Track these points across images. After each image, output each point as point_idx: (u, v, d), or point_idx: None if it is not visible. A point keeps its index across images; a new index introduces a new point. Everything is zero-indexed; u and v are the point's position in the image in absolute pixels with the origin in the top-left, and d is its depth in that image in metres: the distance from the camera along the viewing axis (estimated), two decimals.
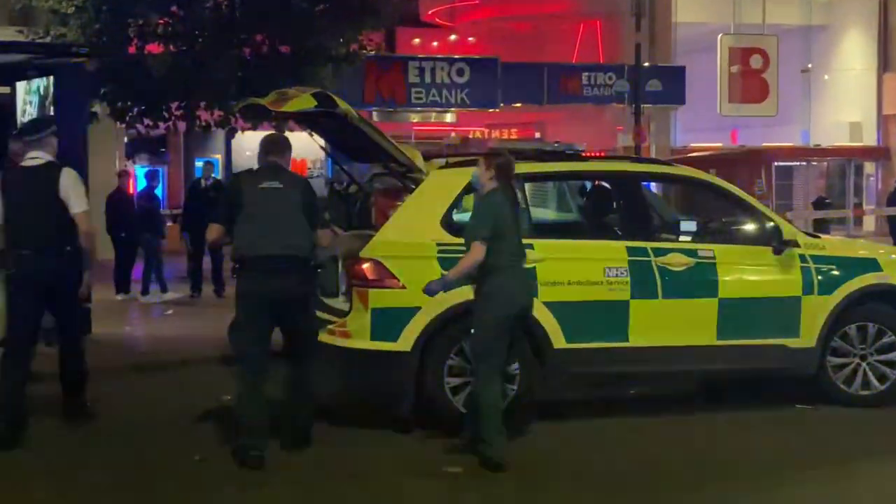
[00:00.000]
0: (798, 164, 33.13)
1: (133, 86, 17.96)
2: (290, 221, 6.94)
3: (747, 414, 8.43)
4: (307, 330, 7.28)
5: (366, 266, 7.66)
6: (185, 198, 16.76)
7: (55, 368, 8.00)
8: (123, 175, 16.60)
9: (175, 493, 6.47)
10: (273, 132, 8.01)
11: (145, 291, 15.00)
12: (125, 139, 23.96)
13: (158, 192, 17.46)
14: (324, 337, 7.77)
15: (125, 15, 17.66)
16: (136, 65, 17.75)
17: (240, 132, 21.27)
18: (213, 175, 16.36)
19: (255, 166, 7.51)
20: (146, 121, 18.97)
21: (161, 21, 18.14)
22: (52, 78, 11.55)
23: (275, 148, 7.27)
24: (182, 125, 19.54)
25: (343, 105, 7.74)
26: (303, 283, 7.06)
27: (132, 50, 18.17)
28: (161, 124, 19.20)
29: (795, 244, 8.49)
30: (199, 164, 19.01)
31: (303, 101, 7.76)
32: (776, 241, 8.42)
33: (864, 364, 8.56)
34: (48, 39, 16.95)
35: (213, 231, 7.19)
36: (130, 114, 18.75)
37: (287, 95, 7.94)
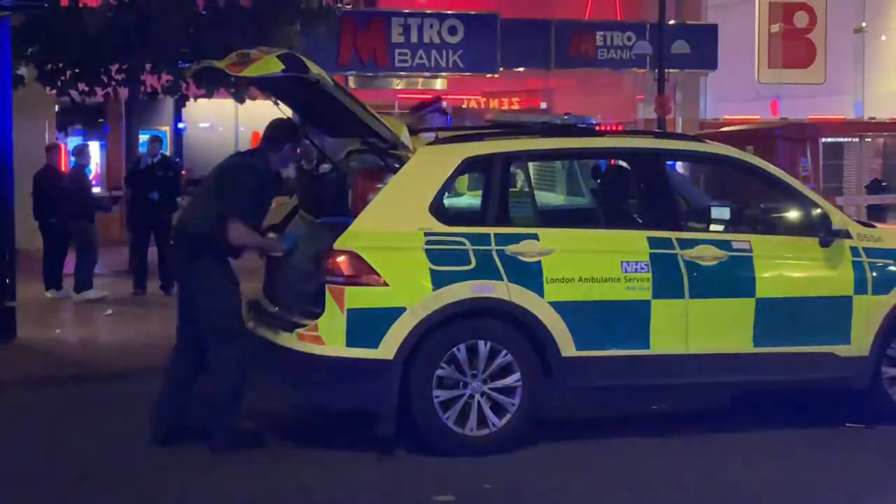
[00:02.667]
0: (850, 140, 33.08)
1: (66, 45, 17.90)
2: (197, 201, 8.15)
3: (788, 434, 8.47)
4: (204, 313, 7.92)
5: (341, 259, 7.67)
6: (126, 178, 16.77)
7: None
8: (53, 150, 16.58)
9: None
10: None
11: (80, 287, 14.97)
12: (56, 108, 23.90)
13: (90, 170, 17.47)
14: (291, 342, 7.81)
15: None
16: (69, 20, 17.70)
17: (192, 100, 21.22)
18: (160, 151, 16.34)
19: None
20: (81, 86, 18.92)
21: None
22: None
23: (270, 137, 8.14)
24: (124, 91, 19.50)
25: (315, 69, 7.75)
26: (188, 259, 7.94)
27: (65, 2, 18.11)
28: (99, 90, 19.15)
29: (846, 235, 8.53)
30: (143, 137, 19.00)
31: (267, 64, 7.76)
32: (823, 232, 8.47)
33: None
34: None
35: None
36: (62, 78, 18.70)
37: (249, 57, 7.95)
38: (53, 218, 15.05)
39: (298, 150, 8.38)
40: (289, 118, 8.38)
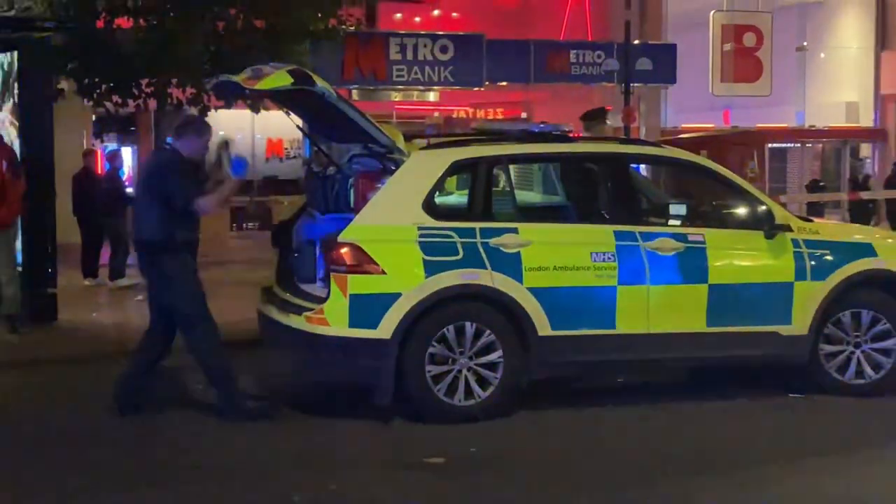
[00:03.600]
0: (792, 145, 33.21)
1: (101, 62, 17.84)
2: (142, 204, 8.04)
3: (737, 403, 8.48)
4: (175, 311, 7.96)
5: (344, 250, 7.68)
6: None
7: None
8: (90, 154, 16.55)
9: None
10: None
11: (114, 276, 14.92)
12: (93, 117, 23.83)
13: (124, 172, 17.40)
14: (300, 324, 7.82)
15: None
16: (103, 40, 17.63)
17: (213, 110, 21.16)
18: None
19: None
20: (115, 98, 18.85)
21: None
22: (16, 53, 11.49)
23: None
24: (153, 103, 19.43)
25: (321, 82, 7.74)
26: (155, 269, 7.93)
27: (100, 24, 18.03)
28: (130, 102, 19.07)
29: (788, 228, 8.55)
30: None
31: (278, 78, 7.75)
32: (768, 225, 8.47)
33: (858, 352, 8.63)
34: (12, 13, 16.84)
35: None
36: (98, 91, 18.62)
37: (262, 72, 7.94)
38: (91, 215, 15.00)
39: (204, 140, 8.06)
40: (197, 116, 8.38)
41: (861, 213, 18.87)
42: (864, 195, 21.40)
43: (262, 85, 7.87)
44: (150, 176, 8.01)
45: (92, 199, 15.06)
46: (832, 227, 9.39)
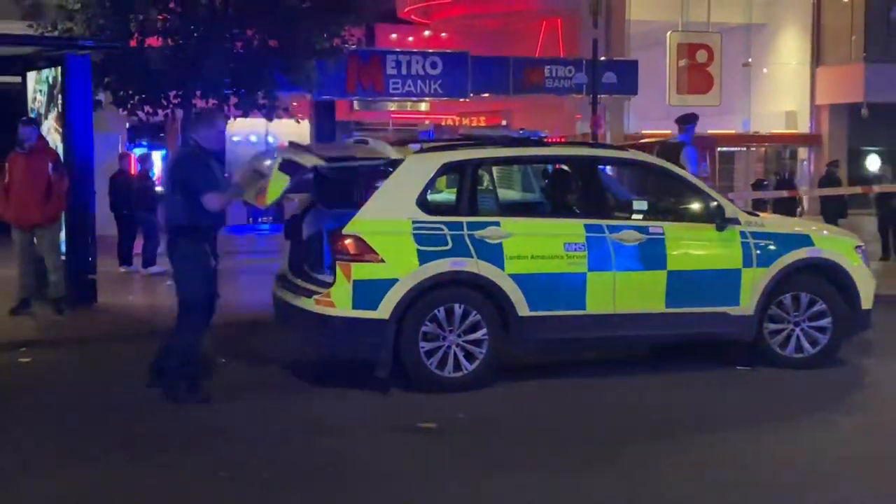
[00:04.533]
0: (739, 149, 33.28)
1: (134, 76, 17.79)
2: (168, 193, 7.66)
3: (695, 375, 8.49)
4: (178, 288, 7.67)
5: (348, 241, 7.66)
6: None
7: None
8: (124, 157, 16.48)
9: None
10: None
11: (146, 264, 14.87)
12: (127, 125, 23.75)
13: (154, 173, 17.32)
14: (309, 305, 7.79)
15: (126, 10, 17.45)
16: (136, 57, 17.56)
17: (231, 119, 21.09)
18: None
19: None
20: (146, 108, 18.81)
21: (160, 17, 17.96)
22: (59, 69, 11.46)
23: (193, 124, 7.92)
24: (179, 112, 19.39)
25: (308, 161, 7.75)
26: (171, 246, 7.66)
27: (133, 43, 17.95)
28: (160, 111, 19.03)
29: (736, 221, 8.53)
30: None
31: (277, 184, 7.68)
32: (719, 219, 8.46)
33: (797, 330, 8.63)
34: (56, 33, 16.75)
35: None
36: (131, 102, 18.56)
37: (264, 185, 7.78)
38: (125, 210, 14.93)
39: (217, 129, 7.72)
40: (209, 108, 8.09)
41: (789, 208, 18.92)
42: (800, 193, 21.36)
43: (270, 198, 7.76)
44: (172, 167, 7.85)
45: (126, 196, 14.99)
46: (775, 221, 9.38)
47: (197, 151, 7.53)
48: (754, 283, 8.45)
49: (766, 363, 8.58)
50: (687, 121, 11.98)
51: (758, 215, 9.14)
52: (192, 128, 7.71)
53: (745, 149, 33.22)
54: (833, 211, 18.41)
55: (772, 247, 8.55)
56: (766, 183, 23.49)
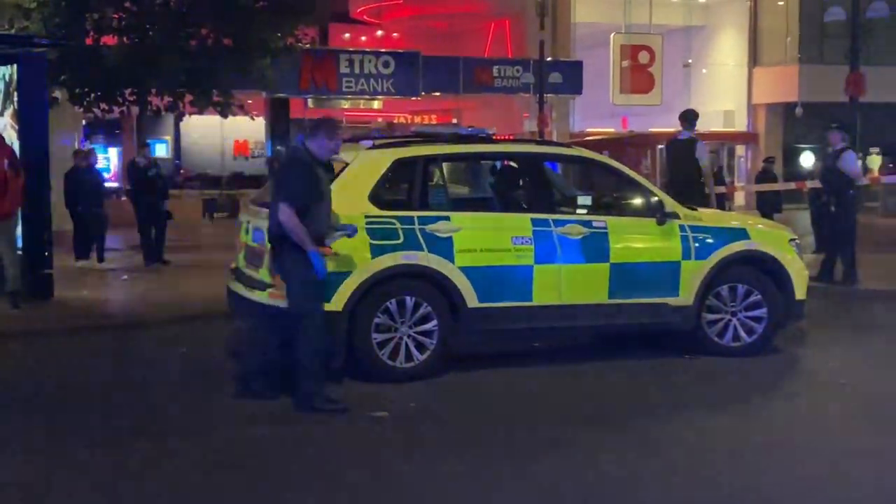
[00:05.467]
0: None
1: (90, 74, 17.60)
2: (273, 202, 7.06)
3: (638, 363, 8.54)
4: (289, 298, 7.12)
5: None
6: (127, 176, 16.46)
7: None
8: (79, 154, 16.22)
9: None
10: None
11: (100, 259, 14.65)
12: (83, 122, 23.43)
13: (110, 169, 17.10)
14: (263, 298, 7.73)
15: (83, 9, 17.27)
16: (92, 55, 17.39)
17: (187, 116, 20.92)
18: (148, 155, 16.05)
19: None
20: (102, 105, 18.61)
21: (115, 15, 17.77)
22: (15, 66, 11.31)
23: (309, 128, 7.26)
24: (135, 109, 19.19)
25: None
26: (277, 257, 7.17)
27: (89, 41, 17.77)
28: (116, 108, 18.84)
29: (676, 216, 8.61)
30: (158, 145, 18.69)
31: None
32: (660, 214, 8.53)
33: (734, 320, 8.73)
34: (12, 31, 16.49)
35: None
36: (87, 99, 18.36)
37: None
38: (79, 206, 14.70)
39: (336, 142, 7.20)
40: (329, 119, 7.62)
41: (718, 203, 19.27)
42: (728, 189, 21.58)
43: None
44: (282, 172, 7.35)
45: (80, 192, 14.74)
46: (713, 215, 9.48)
47: (307, 159, 7.05)
48: (693, 275, 8.54)
49: (705, 352, 8.68)
50: (691, 117, 12.21)
51: (696, 209, 9.25)
52: (311, 134, 7.13)
53: None
54: (768, 205, 18.68)
55: (709, 240, 8.65)
56: (703, 179, 23.75)
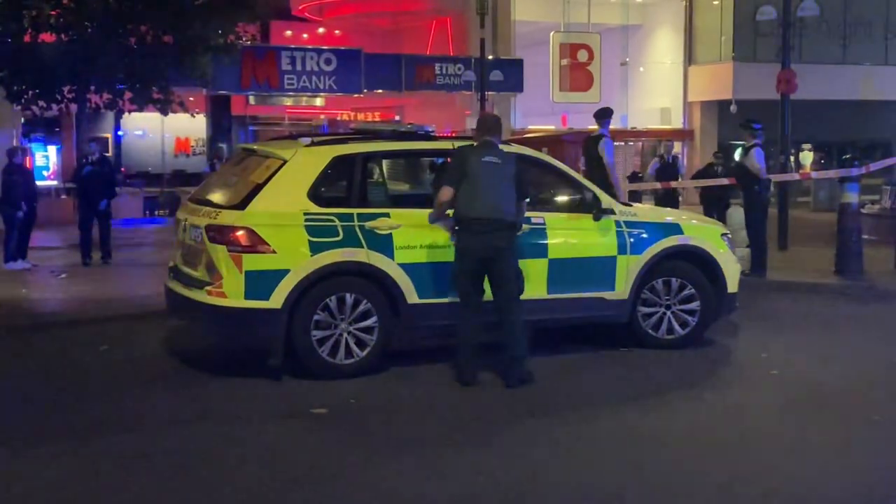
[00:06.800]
0: (618, 143, 33.78)
1: (28, 71, 17.29)
2: (502, 191, 7.51)
3: (572, 356, 8.60)
4: (507, 279, 7.60)
5: (240, 233, 7.53)
6: (76, 172, 16.10)
7: None
8: (13, 151, 15.83)
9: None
10: (488, 113, 7.98)
11: (17, 257, 14.19)
12: (22, 119, 22.98)
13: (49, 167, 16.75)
14: (201, 297, 7.64)
15: (19, 6, 16.93)
16: (30, 52, 17.08)
17: (126, 113, 20.63)
18: (94, 152, 15.72)
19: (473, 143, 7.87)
20: (41, 103, 18.29)
21: (53, 12, 17.44)
22: None
23: (492, 127, 7.82)
24: (74, 107, 18.88)
25: None
26: (505, 241, 7.53)
27: (27, 38, 17.44)
28: (55, 106, 18.52)
29: (612, 212, 8.68)
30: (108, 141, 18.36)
31: None
32: (596, 210, 8.58)
33: (668, 313, 8.83)
34: None
35: (446, 193, 7.54)
36: (26, 96, 18.04)
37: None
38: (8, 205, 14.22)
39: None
40: (492, 114, 8.15)
41: (671, 196, 19.48)
42: (673, 185, 21.83)
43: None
44: (510, 165, 7.67)
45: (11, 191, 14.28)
46: (647, 211, 9.58)
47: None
48: (629, 269, 8.61)
49: (640, 344, 8.76)
50: (603, 115, 12.58)
51: (632, 205, 9.32)
52: (494, 130, 7.80)
53: (622, 143, 33.85)
54: (714, 200, 18.86)
55: (644, 235, 8.72)
56: (640, 175, 24.02)
